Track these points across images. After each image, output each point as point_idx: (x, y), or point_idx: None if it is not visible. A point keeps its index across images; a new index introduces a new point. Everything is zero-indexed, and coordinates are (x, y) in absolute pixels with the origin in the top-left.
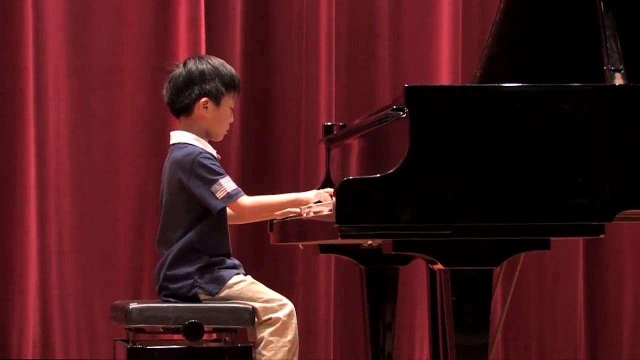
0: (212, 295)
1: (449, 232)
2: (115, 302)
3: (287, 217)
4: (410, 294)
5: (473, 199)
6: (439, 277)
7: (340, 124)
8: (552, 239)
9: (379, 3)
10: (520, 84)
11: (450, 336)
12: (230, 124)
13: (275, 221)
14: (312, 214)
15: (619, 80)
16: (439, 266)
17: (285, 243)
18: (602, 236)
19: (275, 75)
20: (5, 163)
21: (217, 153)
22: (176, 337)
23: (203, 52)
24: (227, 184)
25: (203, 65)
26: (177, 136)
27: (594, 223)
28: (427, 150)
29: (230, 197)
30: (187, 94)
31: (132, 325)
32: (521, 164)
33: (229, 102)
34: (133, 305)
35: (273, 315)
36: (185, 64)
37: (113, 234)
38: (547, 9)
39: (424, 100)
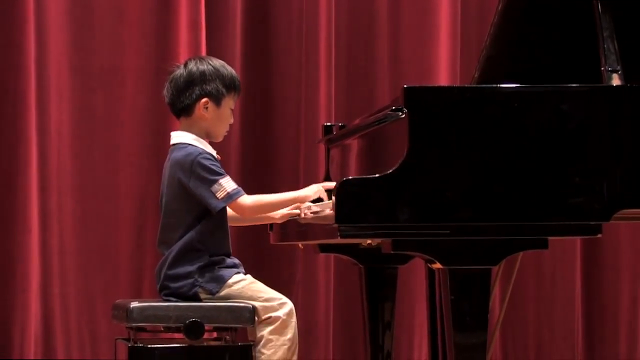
0: (213, 294)
1: (448, 231)
2: (117, 301)
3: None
4: (409, 293)
5: (471, 199)
6: (438, 276)
7: (340, 124)
8: (550, 238)
9: (378, 4)
10: (518, 85)
11: (449, 335)
12: (230, 125)
13: None
14: (310, 216)
15: (616, 81)
16: (438, 265)
17: (285, 242)
18: (599, 236)
19: (275, 75)
20: (7, 163)
21: (217, 153)
22: (177, 335)
23: (203, 53)
24: (227, 184)
25: (204, 66)
26: (178, 136)
27: (592, 222)
28: (426, 150)
29: (231, 196)
30: (187, 94)
31: (133, 324)
32: (519, 164)
33: (229, 103)
34: (134, 304)
35: (273, 314)
36: (186, 64)
37: (114, 233)
38: (545, 10)
39: (422, 101)
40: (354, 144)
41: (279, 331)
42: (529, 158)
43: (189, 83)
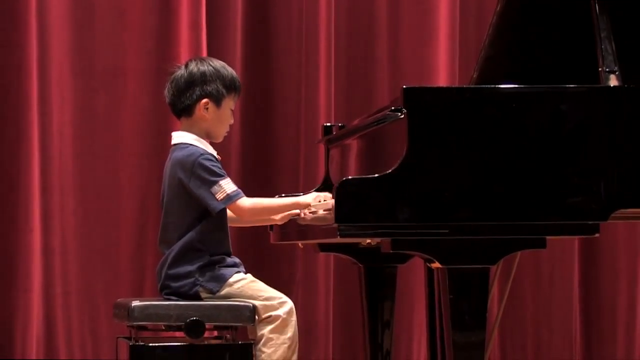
0: (213, 294)
1: (447, 231)
2: (118, 300)
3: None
4: (408, 292)
5: (470, 199)
6: (437, 276)
7: (339, 124)
8: (548, 237)
9: (377, 5)
10: (516, 85)
11: (448, 334)
12: (230, 125)
13: None
14: (310, 217)
15: (613, 81)
16: (437, 264)
17: (285, 242)
18: (597, 235)
19: (275, 76)
20: (10, 163)
21: (218, 154)
22: (178, 334)
23: (204, 53)
24: (227, 186)
25: (204, 67)
26: (179, 137)
27: (590, 222)
28: (425, 151)
29: (230, 198)
30: (188, 94)
31: (135, 323)
32: (517, 163)
33: (230, 104)
34: (135, 303)
35: (273, 313)
36: (186, 65)
37: (116, 233)
38: (543, 11)
39: (421, 101)
40: (353, 144)
41: (279, 330)
42: (527, 158)
43: (189, 83)
